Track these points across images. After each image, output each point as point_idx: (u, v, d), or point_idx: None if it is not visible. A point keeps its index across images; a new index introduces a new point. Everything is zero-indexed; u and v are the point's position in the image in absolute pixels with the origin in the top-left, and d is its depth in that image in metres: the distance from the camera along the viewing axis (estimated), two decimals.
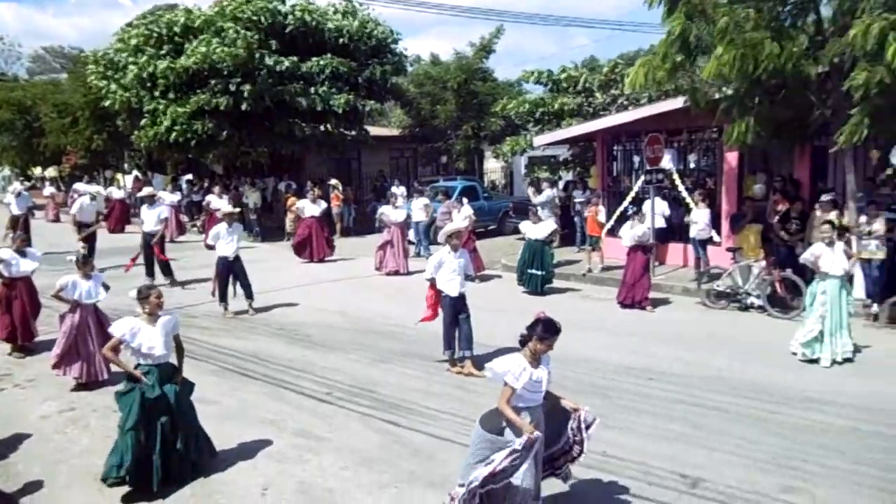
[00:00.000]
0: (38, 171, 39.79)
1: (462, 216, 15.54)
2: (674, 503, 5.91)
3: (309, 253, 18.53)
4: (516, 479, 5.05)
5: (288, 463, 6.78)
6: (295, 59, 22.70)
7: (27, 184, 30.87)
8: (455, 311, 9.47)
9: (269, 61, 21.96)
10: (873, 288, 11.89)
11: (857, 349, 9.87)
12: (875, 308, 11.79)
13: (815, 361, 9.57)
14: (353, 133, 25.60)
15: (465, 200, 17.68)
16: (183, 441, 6.39)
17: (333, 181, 23.99)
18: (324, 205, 19.56)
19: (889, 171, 13.19)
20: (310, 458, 6.87)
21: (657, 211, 15.13)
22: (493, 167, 34.44)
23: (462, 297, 9.53)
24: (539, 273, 14.32)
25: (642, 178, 15.80)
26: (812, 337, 9.62)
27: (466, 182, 24.40)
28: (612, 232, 16.15)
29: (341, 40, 24.03)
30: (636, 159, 17.52)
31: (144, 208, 15.54)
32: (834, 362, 9.50)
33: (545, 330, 5.29)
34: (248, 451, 7.01)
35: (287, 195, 23.04)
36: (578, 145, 21.90)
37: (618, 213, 16.85)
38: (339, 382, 8.99)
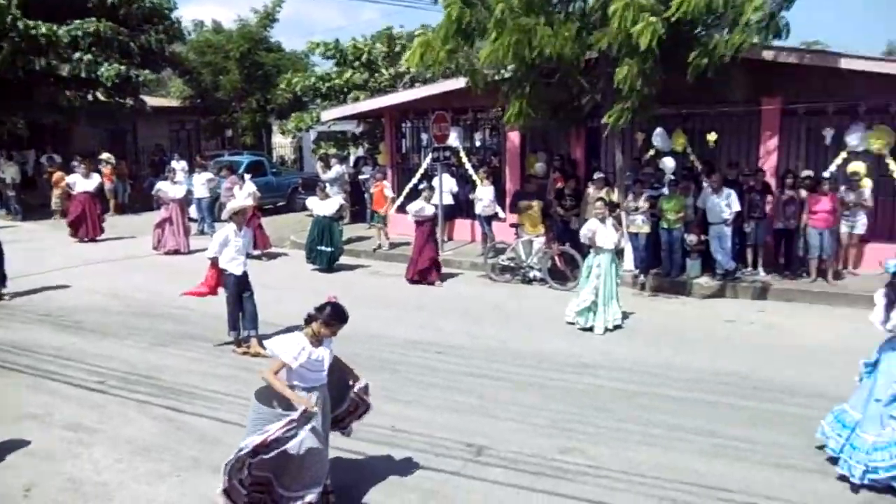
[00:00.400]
0: None
1: (245, 193, 15.02)
2: (459, 472, 6.04)
3: (85, 231, 17.11)
4: (293, 449, 4.93)
5: (54, 460, 6.21)
6: (53, 26, 20.56)
7: None
8: (239, 291, 9.15)
9: (20, 25, 19.70)
10: (640, 260, 12.88)
11: (625, 316, 10.63)
12: (642, 278, 12.78)
13: (590, 329, 10.19)
14: (129, 102, 23.71)
15: (247, 177, 17.01)
16: None
17: (105, 155, 22.23)
18: (98, 179, 18.11)
19: (652, 152, 14.29)
20: (80, 452, 6.34)
21: (445, 188, 15.45)
22: (282, 142, 33.57)
23: (246, 275, 9.23)
24: (328, 250, 14.18)
25: (430, 155, 16.04)
26: (585, 307, 10.23)
27: (253, 157, 23.59)
28: (402, 208, 16.30)
29: (110, 1, 22.07)
30: (424, 136, 17.74)
31: None
32: (606, 330, 10.17)
33: (332, 316, 5.22)
34: (5, 450, 6.32)
35: (52, 169, 21.05)
36: (367, 121, 21.82)
37: (407, 189, 17.02)
38: (113, 370, 8.38)
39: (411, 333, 10.07)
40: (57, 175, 20.12)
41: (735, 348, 9.43)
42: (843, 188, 12.38)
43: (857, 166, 12.66)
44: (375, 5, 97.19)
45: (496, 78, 12.95)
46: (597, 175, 13.67)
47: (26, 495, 5.64)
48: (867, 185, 12.50)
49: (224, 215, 9.64)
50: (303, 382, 5.18)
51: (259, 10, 28.74)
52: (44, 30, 20.17)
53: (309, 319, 5.25)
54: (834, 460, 5.92)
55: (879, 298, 5.81)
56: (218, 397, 7.58)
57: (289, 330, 5.46)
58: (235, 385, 7.87)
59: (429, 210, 13.30)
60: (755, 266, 12.89)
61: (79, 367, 8.48)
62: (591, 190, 13.44)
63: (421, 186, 14.39)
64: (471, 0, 11.88)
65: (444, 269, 13.93)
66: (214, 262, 9.14)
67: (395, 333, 10.04)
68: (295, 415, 4.92)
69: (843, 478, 5.75)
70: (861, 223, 12.42)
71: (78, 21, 21.15)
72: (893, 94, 12.23)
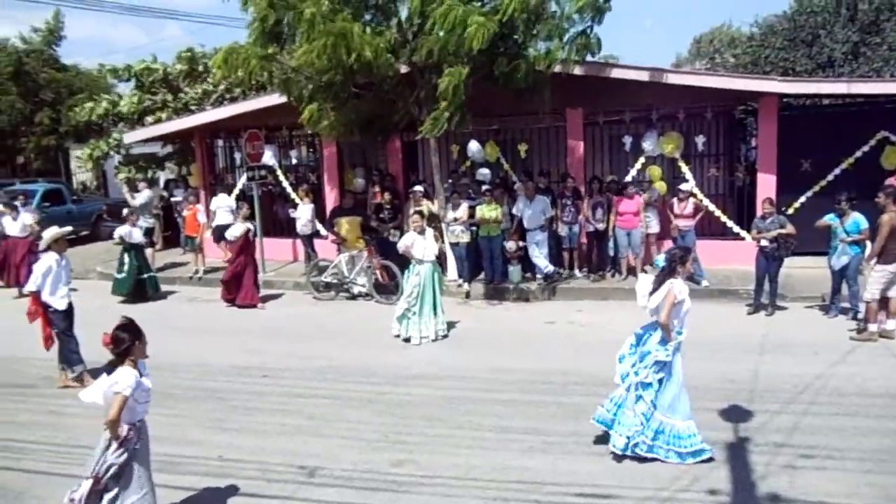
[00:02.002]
0: None
1: (18, 225, 14.14)
2: (293, 495, 5.86)
3: None
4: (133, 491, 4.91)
5: None
6: None
7: None
8: (69, 324, 8.65)
9: None
10: (463, 269, 13.11)
11: (452, 325, 10.76)
12: (466, 287, 13.00)
13: (409, 340, 10.25)
14: None
15: (19, 205, 15.32)
16: None
17: None
18: None
19: (467, 164, 14.64)
20: None
21: (223, 205, 15.50)
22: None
23: (71, 308, 8.70)
24: (152, 275, 13.74)
25: (245, 174, 15.57)
26: (401, 315, 10.30)
27: (50, 184, 21.87)
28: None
29: None
30: (238, 156, 17.19)
31: None
32: (423, 339, 10.23)
33: (135, 332, 5.02)
34: None
35: None
36: (176, 142, 20.79)
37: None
38: None
39: (235, 359, 9.67)
40: None
41: (556, 348, 9.77)
42: (632, 190, 13.17)
43: (652, 170, 13.62)
44: (179, 22, 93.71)
45: (310, 88, 12.68)
46: (415, 188, 13.80)
47: None
48: (662, 187, 13.44)
49: (42, 245, 8.85)
50: (132, 417, 4.97)
51: (41, 28, 26.78)
52: None
53: (122, 356, 4.94)
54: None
55: (641, 286, 6.46)
56: (21, 447, 6.91)
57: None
58: (42, 431, 7.26)
59: (238, 230, 12.84)
60: (571, 268, 13.49)
61: None
62: (410, 203, 13.53)
63: (236, 207, 13.94)
64: (276, 1, 11.56)
65: (268, 291, 13.57)
66: (37, 295, 8.46)
67: (217, 360, 9.60)
68: (114, 457, 4.85)
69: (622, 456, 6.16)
70: (655, 222, 13.31)
71: None
72: (681, 103, 13.26)
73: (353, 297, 13.14)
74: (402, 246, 10.51)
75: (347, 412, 7.64)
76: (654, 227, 13.34)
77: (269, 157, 15.72)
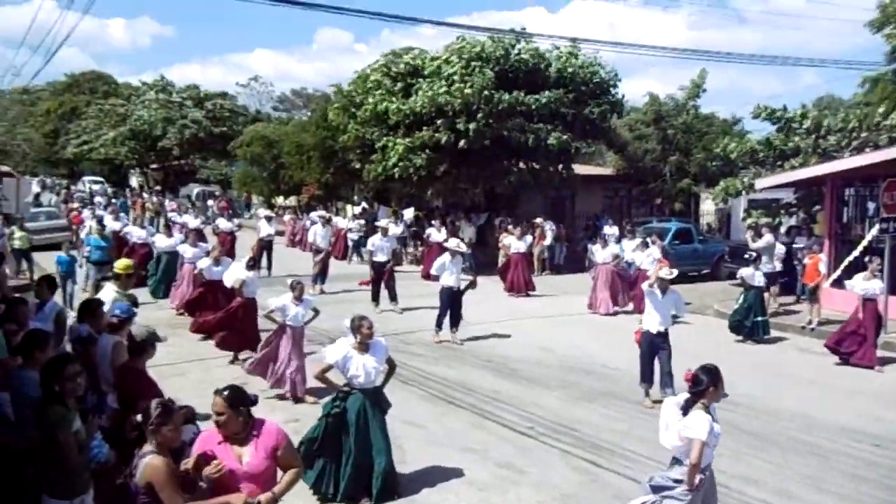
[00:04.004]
0: (280, 200, 42.98)
1: (645, 256, 15.87)
2: None
3: (512, 285, 18.92)
4: None
5: (488, 491, 7.06)
6: (519, 93, 22.87)
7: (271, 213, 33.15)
8: (652, 348, 9.58)
9: (493, 98, 22.31)
10: None
11: None
12: None
13: None
14: (564, 173, 25.25)
15: (649, 240, 16.95)
16: (377, 457, 6.81)
17: (538, 220, 24.14)
18: (528, 241, 19.90)
19: None
20: (509, 489, 7.11)
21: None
22: (709, 209, 33.19)
23: (660, 334, 9.58)
24: (761, 319, 13.98)
25: (877, 226, 14.70)
26: None
27: (681, 224, 23.72)
28: (838, 282, 15.12)
29: (563, 79, 24.07)
30: (871, 205, 16.26)
31: (377, 238, 16.62)
32: None
33: (719, 378, 5.28)
34: (450, 475, 7.38)
35: (502, 231, 23.52)
36: (806, 189, 20.56)
37: (846, 262, 15.74)
38: (541, 418, 9.18)
39: (843, 418, 9.36)
40: (502, 237, 22.38)
41: None
42: None
43: None
44: (817, 69, 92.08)
45: None
46: None
47: None
48: None
49: (648, 284, 10.06)
50: (702, 462, 5.20)
51: (686, 86, 29.41)
52: (508, 99, 22.62)
53: (696, 395, 5.26)
54: None
55: None
56: (634, 457, 7.87)
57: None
58: (652, 447, 7.99)
59: (876, 286, 12.23)
60: None
61: (513, 411, 9.44)
62: None
63: (867, 261, 13.26)
64: None
65: (887, 353, 12.64)
66: None
67: (824, 416, 9.42)
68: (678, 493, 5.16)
69: None
70: None
71: (535, 96, 23.44)
72: None
73: None
74: None
75: None
76: None
77: None
